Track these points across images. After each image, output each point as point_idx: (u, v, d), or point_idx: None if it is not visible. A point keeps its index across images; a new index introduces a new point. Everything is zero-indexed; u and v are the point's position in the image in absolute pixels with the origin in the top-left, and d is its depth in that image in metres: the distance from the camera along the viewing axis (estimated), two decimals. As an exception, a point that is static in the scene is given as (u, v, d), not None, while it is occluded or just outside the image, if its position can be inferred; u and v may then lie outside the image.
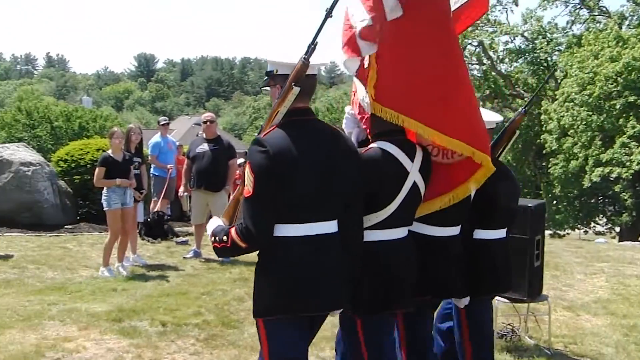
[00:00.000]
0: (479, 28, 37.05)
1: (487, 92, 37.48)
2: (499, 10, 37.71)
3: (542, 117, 33.14)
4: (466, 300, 4.86)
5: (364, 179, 3.96)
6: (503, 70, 38.49)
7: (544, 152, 33.56)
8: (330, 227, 3.78)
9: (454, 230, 4.72)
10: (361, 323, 4.27)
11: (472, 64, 38.58)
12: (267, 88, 3.98)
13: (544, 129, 32.83)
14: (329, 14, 3.81)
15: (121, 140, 10.57)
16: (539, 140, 34.69)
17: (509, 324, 7.68)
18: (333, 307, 3.87)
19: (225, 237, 3.83)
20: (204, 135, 11.98)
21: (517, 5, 37.42)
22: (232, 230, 3.79)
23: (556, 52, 36.36)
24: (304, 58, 3.73)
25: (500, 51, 38.26)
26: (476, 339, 5.18)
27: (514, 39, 38.09)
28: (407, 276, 4.28)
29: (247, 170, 3.70)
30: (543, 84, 8.03)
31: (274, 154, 3.60)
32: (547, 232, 29.41)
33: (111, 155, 10.43)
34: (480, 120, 4.53)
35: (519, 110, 5.64)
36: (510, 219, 5.29)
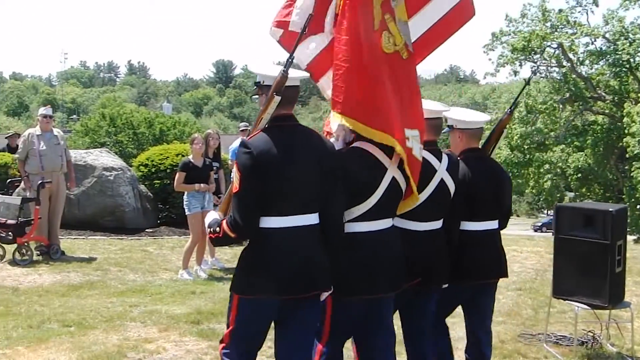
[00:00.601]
0: (558, 30, 36.37)
1: (567, 94, 36.74)
2: (579, 12, 36.98)
3: (625, 119, 32.33)
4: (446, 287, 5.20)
5: (345, 175, 4.33)
6: (583, 73, 37.61)
7: (627, 155, 32.72)
8: (311, 219, 4.20)
9: (436, 225, 4.98)
10: (334, 305, 4.52)
11: (552, 67, 37.90)
12: (256, 97, 4.42)
13: (626, 131, 32.00)
14: (303, 31, 4.30)
15: (201, 146, 10.75)
16: (621, 144, 33.85)
17: (589, 331, 7.53)
18: (308, 291, 4.20)
19: (218, 229, 4.27)
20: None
21: (597, 5, 36.62)
22: (224, 222, 4.22)
23: (639, 54, 35.37)
24: (283, 71, 4.17)
25: (581, 53, 37.37)
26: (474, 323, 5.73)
27: (595, 41, 37.16)
28: (389, 265, 4.56)
29: (235, 169, 4.21)
30: (523, 88, 8.15)
31: (257, 154, 4.05)
32: (630, 238, 28.66)
33: (191, 160, 10.62)
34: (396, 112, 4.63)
35: (506, 110, 5.96)
36: (497, 211, 5.51)
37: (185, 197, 10.70)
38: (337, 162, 4.35)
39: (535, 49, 36.71)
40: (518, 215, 71.51)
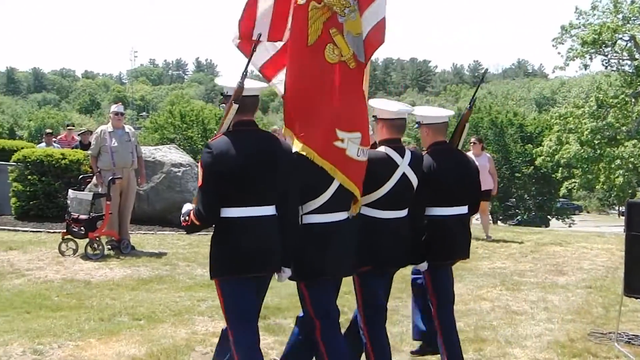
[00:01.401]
0: (630, 22, 35.49)
1: (640, 88, 35.86)
2: (652, 3, 35.99)
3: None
4: (425, 265, 5.92)
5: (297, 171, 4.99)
6: (657, 66, 36.62)
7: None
8: (268, 210, 4.84)
9: (399, 214, 5.52)
10: (306, 288, 5.31)
11: (624, 60, 37.00)
12: (223, 105, 5.07)
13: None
14: (254, 48, 5.03)
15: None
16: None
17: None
18: (267, 271, 5.00)
19: (187, 217, 4.90)
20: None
21: (672, -4, 35.61)
22: (191, 212, 4.85)
23: None
24: (239, 82, 4.80)
25: (654, 45, 36.43)
26: (439, 298, 6.10)
27: (669, 33, 36.15)
28: (345, 250, 5.23)
29: (199, 166, 4.86)
30: (479, 84, 8.19)
31: (217, 154, 4.69)
32: None
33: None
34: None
35: (467, 106, 6.53)
36: (465, 197, 6.05)
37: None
38: (291, 162, 4.98)
39: (606, 41, 35.87)
40: (588, 212, 70.17)
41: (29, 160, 15.52)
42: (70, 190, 12.33)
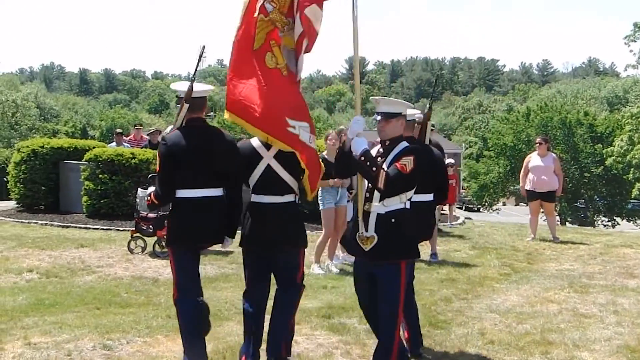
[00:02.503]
0: None
1: None
2: None
3: None
4: None
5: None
6: None
7: None
8: (216, 192, 5.99)
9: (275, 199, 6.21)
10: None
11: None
12: (178, 105, 6.08)
13: None
14: (201, 58, 6.27)
15: (335, 141, 10.81)
16: None
17: None
18: (209, 242, 6.40)
19: (149, 197, 6.18)
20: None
21: None
22: (152, 194, 6.11)
23: None
24: (189, 86, 5.94)
25: None
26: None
27: None
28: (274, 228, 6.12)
29: (157, 154, 5.96)
30: (435, 85, 8.39)
31: (170, 145, 5.82)
32: None
33: (326, 156, 10.71)
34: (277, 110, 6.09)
35: (427, 106, 7.25)
36: (431, 185, 6.70)
37: (319, 192, 10.81)
38: (235, 153, 6.07)
39: (681, 39, 35.01)
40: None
41: (100, 159, 15.87)
42: (139, 189, 12.57)
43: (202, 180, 5.88)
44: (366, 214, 5.65)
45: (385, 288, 5.60)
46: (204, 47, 6.27)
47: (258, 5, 6.19)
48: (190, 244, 6.04)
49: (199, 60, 6.16)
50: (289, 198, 6.24)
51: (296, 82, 6.43)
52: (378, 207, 5.60)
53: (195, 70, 6.13)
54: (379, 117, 5.83)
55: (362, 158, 5.55)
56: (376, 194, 5.57)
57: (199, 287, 6.31)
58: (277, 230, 6.12)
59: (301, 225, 6.42)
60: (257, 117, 6.04)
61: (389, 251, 5.56)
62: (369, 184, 5.61)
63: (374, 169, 5.53)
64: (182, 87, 6.04)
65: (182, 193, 5.86)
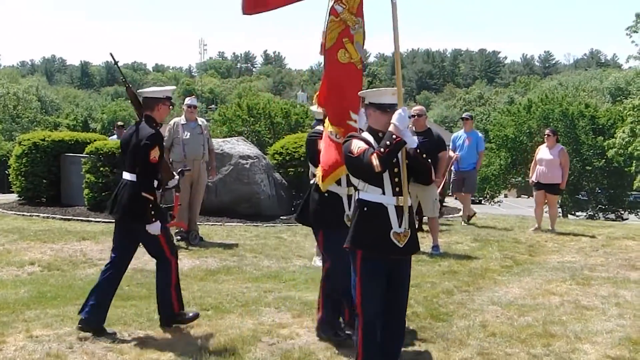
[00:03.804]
0: None
1: None
2: None
3: None
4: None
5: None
6: None
7: None
8: (129, 176, 7.25)
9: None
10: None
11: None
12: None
13: None
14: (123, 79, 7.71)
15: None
16: None
17: None
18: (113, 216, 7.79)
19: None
20: (414, 128, 12.00)
21: None
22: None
23: None
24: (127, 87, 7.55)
25: None
26: None
27: None
28: None
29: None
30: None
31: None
32: None
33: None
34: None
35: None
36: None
37: (319, 185, 10.79)
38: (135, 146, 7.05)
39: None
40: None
41: (101, 152, 15.86)
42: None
43: (126, 166, 7.35)
44: (400, 209, 5.54)
45: (406, 280, 5.71)
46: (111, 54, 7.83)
47: (328, 8, 6.63)
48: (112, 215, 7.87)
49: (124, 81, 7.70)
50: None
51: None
52: (408, 200, 5.62)
53: (124, 78, 7.86)
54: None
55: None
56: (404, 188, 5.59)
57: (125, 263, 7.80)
58: None
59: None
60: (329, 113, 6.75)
61: (417, 241, 5.67)
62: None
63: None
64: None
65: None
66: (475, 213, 15.96)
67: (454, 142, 15.53)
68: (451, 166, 15.17)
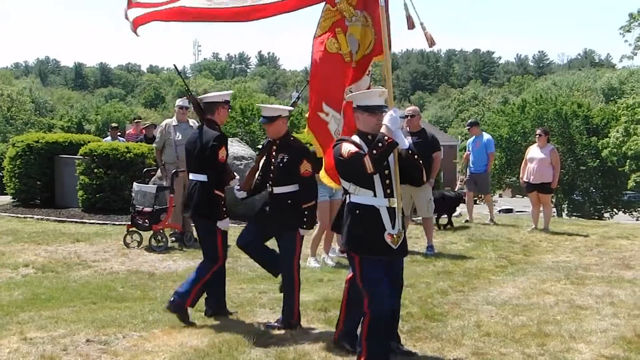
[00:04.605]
0: None
1: None
2: None
3: None
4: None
5: None
6: None
7: None
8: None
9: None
10: None
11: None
12: None
13: None
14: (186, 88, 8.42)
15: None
16: None
17: None
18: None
19: None
20: (408, 128, 12.00)
21: None
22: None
23: None
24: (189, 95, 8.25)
25: None
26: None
27: None
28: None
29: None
30: (303, 89, 8.69)
31: None
32: None
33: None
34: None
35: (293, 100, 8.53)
36: None
37: (313, 186, 10.81)
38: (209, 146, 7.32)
39: (676, 29, 35.01)
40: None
41: (95, 153, 15.82)
42: (134, 183, 12.54)
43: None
44: (392, 211, 5.56)
45: (401, 273, 6.02)
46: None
47: None
48: None
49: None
50: None
51: (351, 69, 6.64)
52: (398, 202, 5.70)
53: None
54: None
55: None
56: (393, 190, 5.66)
57: None
58: None
59: None
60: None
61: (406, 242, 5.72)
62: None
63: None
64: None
65: None
66: (494, 219, 16.18)
67: (468, 148, 16.30)
68: (466, 168, 16.39)
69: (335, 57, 6.55)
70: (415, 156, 5.65)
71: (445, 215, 14.72)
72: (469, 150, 16.21)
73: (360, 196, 5.53)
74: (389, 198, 5.52)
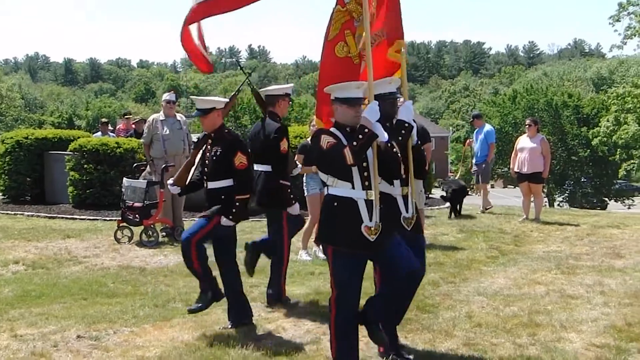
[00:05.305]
0: None
1: None
2: None
3: None
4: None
5: None
6: None
7: None
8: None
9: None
10: None
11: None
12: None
13: None
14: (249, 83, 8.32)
15: (320, 128, 10.79)
16: None
17: None
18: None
19: None
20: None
21: None
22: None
23: None
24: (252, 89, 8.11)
25: None
26: None
27: None
28: None
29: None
30: (244, 82, 8.79)
31: None
32: None
33: (309, 142, 10.67)
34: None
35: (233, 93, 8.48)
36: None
37: (304, 178, 10.81)
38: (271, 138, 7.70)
39: (666, 18, 35.03)
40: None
41: (85, 149, 15.78)
42: (124, 179, 12.51)
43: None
44: (370, 203, 5.51)
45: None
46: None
47: None
48: None
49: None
50: None
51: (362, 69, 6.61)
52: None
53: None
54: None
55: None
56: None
57: None
58: None
59: None
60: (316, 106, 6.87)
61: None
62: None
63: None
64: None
65: None
66: (491, 206, 16.51)
67: (474, 139, 16.77)
68: (467, 158, 17.50)
69: (345, 61, 6.52)
70: (394, 149, 5.64)
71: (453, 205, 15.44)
72: (473, 140, 16.70)
73: (338, 188, 5.52)
74: (367, 190, 5.50)
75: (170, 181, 7.58)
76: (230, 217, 6.90)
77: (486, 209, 16.14)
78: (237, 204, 6.88)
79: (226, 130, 7.21)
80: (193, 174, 7.35)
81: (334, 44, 6.49)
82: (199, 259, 6.92)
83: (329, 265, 5.60)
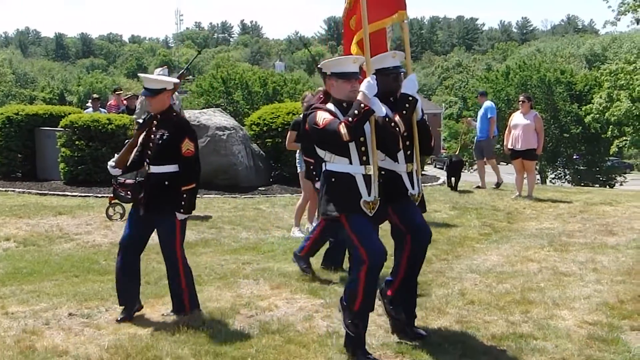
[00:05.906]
0: None
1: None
2: None
3: None
4: None
5: None
6: None
7: None
8: None
9: None
10: None
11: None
12: None
13: None
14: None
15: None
16: None
17: None
18: None
19: None
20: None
21: None
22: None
23: None
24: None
25: None
26: None
27: None
28: None
29: None
30: (192, 60, 8.91)
31: None
32: None
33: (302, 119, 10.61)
34: None
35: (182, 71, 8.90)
36: None
37: (297, 155, 10.75)
38: None
39: (660, -7, 34.90)
40: (640, 170, 68.92)
41: (76, 125, 15.70)
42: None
43: None
44: (368, 178, 5.51)
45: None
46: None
47: None
48: None
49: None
50: None
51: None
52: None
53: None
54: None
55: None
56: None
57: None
58: None
59: None
60: None
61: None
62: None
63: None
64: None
65: None
66: (502, 182, 16.76)
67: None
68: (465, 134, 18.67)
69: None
70: (392, 124, 5.60)
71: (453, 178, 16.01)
72: (473, 118, 17.18)
73: (336, 164, 5.49)
74: (365, 165, 5.47)
75: (111, 163, 7.08)
76: (182, 210, 6.57)
77: (498, 185, 16.51)
78: (185, 195, 6.53)
79: (174, 113, 6.82)
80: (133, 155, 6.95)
81: (349, 17, 6.42)
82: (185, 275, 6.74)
83: (346, 234, 5.55)
